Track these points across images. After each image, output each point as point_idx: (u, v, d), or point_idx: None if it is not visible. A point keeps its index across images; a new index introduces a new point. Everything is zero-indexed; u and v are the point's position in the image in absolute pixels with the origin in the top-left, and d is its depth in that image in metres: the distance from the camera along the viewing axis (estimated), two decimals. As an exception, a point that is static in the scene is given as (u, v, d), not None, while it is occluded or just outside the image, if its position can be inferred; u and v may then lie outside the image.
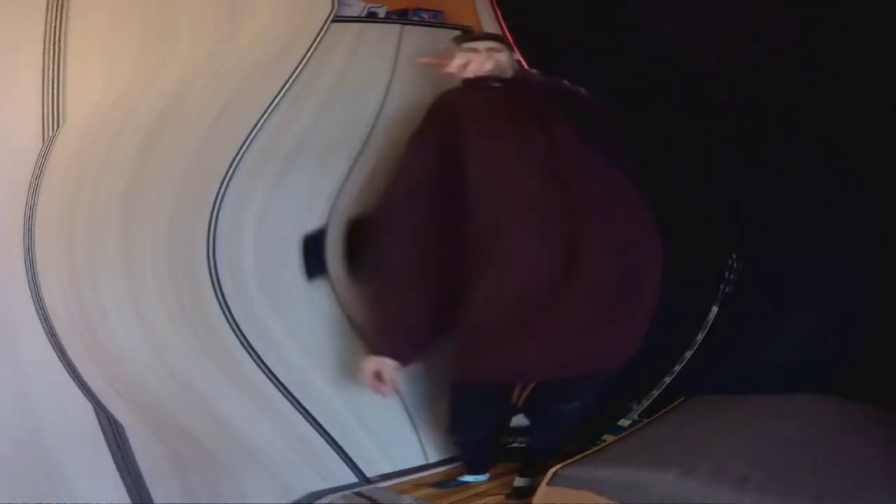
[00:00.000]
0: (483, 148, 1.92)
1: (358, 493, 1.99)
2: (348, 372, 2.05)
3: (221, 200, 1.93)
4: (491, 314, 1.85)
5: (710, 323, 2.13)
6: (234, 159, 1.95)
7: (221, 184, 1.93)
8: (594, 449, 1.80)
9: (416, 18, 2.38)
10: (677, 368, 2.16)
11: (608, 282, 1.83)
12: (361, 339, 2.09)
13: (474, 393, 1.97)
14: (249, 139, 1.96)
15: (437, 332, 1.98)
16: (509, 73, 1.99)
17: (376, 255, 2.02)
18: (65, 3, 1.91)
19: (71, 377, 1.80)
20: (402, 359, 1.95)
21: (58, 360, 1.79)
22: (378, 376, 1.92)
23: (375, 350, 1.95)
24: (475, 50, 2.00)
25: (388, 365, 1.92)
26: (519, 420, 2.19)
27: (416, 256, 1.95)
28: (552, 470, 1.65)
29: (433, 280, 1.95)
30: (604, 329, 1.85)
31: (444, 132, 1.96)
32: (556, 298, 1.81)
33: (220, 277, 1.92)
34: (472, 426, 2.10)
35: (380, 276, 2.01)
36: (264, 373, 1.97)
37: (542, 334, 1.82)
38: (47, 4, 1.89)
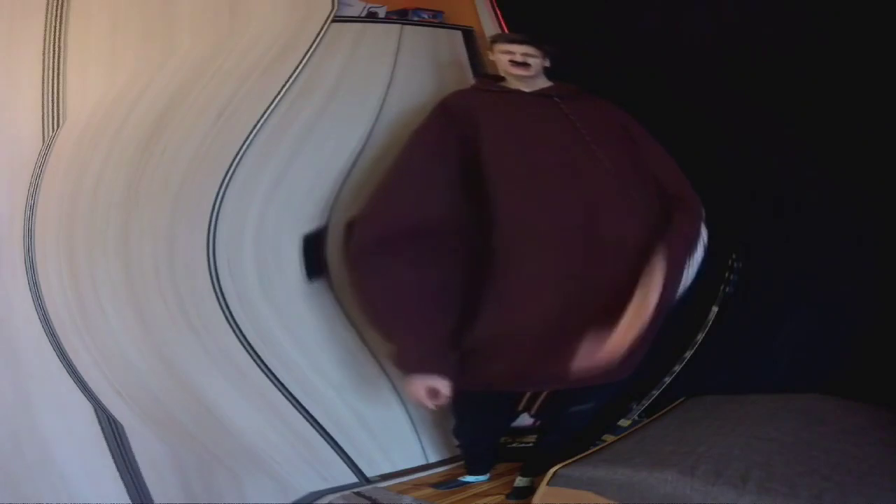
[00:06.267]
0: (503, 152, 1.89)
1: (358, 493, 1.99)
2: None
3: (221, 200, 1.94)
4: (511, 324, 1.82)
5: (710, 323, 2.13)
6: (234, 159, 1.95)
7: (221, 184, 1.94)
8: (594, 449, 1.80)
9: (416, 18, 2.38)
10: (677, 368, 2.16)
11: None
12: (383, 355, 2.04)
13: (481, 398, 1.96)
14: (249, 139, 1.97)
15: (458, 338, 1.88)
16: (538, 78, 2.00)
17: (380, 273, 1.87)
18: (65, 3, 1.91)
19: (71, 377, 1.80)
20: (447, 372, 1.82)
21: (58, 360, 1.80)
22: (432, 392, 1.82)
23: (414, 370, 1.84)
24: (510, 52, 1.98)
25: (438, 382, 1.81)
26: (521, 420, 2.19)
27: (426, 261, 1.85)
28: (552, 470, 1.66)
29: (448, 286, 1.88)
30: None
31: (461, 133, 1.92)
32: (576, 313, 1.79)
33: (220, 277, 1.92)
34: (480, 431, 2.10)
35: (391, 295, 1.86)
36: (264, 373, 1.97)
37: (560, 347, 1.79)
38: (47, 4, 1.90)
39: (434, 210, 1.87)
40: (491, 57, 2.08)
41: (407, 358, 1.86)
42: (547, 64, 2.01)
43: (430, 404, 1.84)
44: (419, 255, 1.84)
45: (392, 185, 1.91)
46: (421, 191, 1.88)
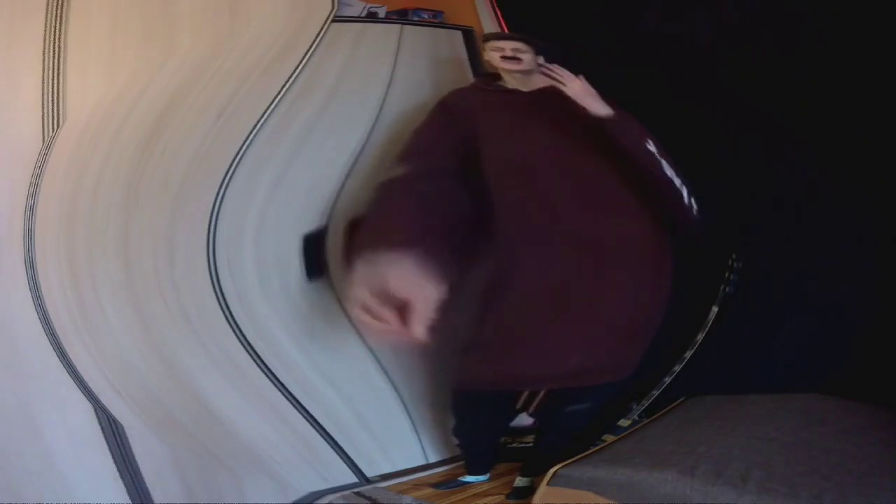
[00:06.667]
0: (502, 153, 1.90)
1: (358, 493, 1.99)
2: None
3: (221, 200, 1.94)
4: (510, 323, 1.83)
5: (710, 323, 2.13)
6: (234, 159, 1.95)
7: (221, 184, 1.94)
8: (594, 449, 1.80)
9: (416, 18, 2.39)
10: (677, 368, 2.16)
11: (626, 301, 1.83)
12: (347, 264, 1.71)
13: (480, 398, 1.96)
14: (249, 139, 1.97)
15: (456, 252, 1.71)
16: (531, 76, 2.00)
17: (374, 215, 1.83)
18: (65, 3, 1.91)
19: (71, 377, 1.80)
20: (425, 253, 1.47)
21: (58, 360, 1.79)
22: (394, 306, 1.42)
23: (381, 244, 1.50)
24: (500, 49, 1.98)
25: (403, 271, 1.44)
26: (521, 420, 2.19)
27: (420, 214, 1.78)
28: (552, 470, 1.65)
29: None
30: (620, 346, 1.86)
31: (461, 132, 1.93)
32: (575, 312, 1.80)
33: (220, 277, 1.92)
34: (479, 431, 2.10)
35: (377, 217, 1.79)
36: (264, 373, 1.97)
37: (558, 346, 1.81)
38: (47, 4, 1.90)
39: (435, 201, 1.87)
40: (485, 56, 2.08)
41: (374, 236, 1.57)
42: (541, 61, 2.01)
43: (388, 319, 1.45)
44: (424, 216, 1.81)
45: (395, 179, 1.90)
46: (423, 179, 1.87)
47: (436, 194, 1.85)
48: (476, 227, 1.90)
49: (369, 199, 1.92)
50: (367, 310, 1.52)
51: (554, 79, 1.85)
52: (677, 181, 1.81)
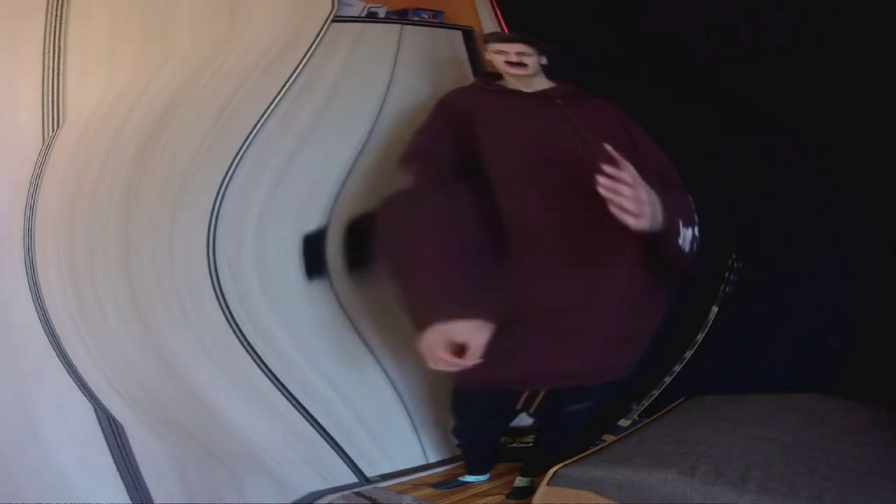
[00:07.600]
0: (504, 156, 1.89)
1: (358, 493, 1.99)
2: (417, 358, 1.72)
3: (221, 200, 1.94)
4: (508, 323, 1.82)
5: (710, 323, 2.13)
6: (234, 159, 1.95)
7: (221, 183, 1.94)
8: (594, 449, 1.80)
9: (416, 18, 2.39)
10: (677, 368, 2.15)
11: (625, 302, 1.83)
12: (406, 313, 1.78)
13: (480, 398, 1.96)
14: (249, 139, 1.97)
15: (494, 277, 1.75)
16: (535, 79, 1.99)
17: (397, 229, 1.82)
18: (65, 3, 1.91)
19: (71, 377, 1.80)
20: (481, 312, 1.64)
21: (58, 360, 1.80)
22: (455, 349, 1.63)
23: (434, 316, 1.65)
24: (503, 52, 1.96)
25: (468, 328, 1.62)
26: (521, 420, 2.19)
27: (444, 225, 1.78)
28: (552, 470, 1.65)
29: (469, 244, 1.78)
30: (619, 346, 1.86)
31: (461, 133, 1.92)
32: (574, 312, 1.81)
33: (220, 277, 1.93)
34: (479, 431, 2.10)
35: (405, 244, 1.78)
36: (264, 373, 1.97)
37: (558, 347, 1.80)
38: (47, 4, 1.90)
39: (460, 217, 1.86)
40: (487, 57, 2.08)
41: (433, 296, 1.67)
42: (544, 62, 2.00)
43: (450, 365, 1.63)
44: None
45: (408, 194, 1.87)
46: (428, 174, 1.86)
47: (455, 208, 1.84)
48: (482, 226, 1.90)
49: (380, 212, 1.89)
50: (439, 360, 1.66)
51: (620, 208, 1.54)
52: (682, 230, 1.74)
